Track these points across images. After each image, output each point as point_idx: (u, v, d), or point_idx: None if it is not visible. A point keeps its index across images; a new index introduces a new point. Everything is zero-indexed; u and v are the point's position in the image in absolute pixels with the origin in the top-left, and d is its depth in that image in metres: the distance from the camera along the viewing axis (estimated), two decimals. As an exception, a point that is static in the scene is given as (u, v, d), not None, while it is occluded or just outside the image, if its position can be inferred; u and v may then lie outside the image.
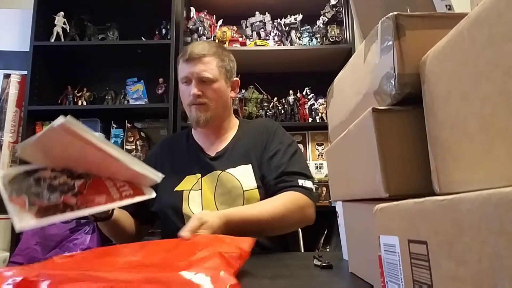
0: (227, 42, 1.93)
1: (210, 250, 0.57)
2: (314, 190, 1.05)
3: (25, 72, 1.84)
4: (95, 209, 0.69)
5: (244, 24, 2.06)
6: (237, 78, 1.20)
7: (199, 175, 1.09)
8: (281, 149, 1.09)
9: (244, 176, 1.06)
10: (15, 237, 1.65)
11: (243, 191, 1.03)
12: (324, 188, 1.83)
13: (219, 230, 0.83)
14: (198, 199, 1.05)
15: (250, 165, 1.08)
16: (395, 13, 0.42)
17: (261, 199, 1.03)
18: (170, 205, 1.06)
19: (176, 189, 1.07)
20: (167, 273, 0.50)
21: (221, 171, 1.08)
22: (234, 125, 1.21)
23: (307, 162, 1.70)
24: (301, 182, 1.02)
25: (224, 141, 1.16)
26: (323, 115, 1.91)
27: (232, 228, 0.87)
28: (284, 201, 0.98)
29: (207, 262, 0.54)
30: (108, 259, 0.62)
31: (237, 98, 1.88)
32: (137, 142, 1.87)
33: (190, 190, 1.07)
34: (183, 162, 1.14)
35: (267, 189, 1.05)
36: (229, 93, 1.17)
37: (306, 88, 1.99)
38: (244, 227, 0.91)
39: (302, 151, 1.82)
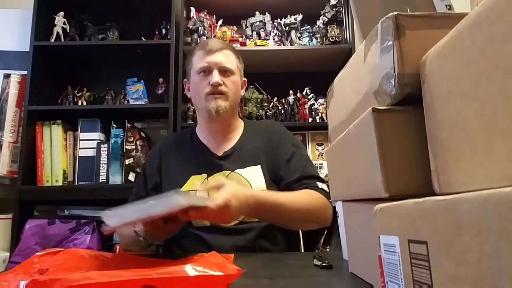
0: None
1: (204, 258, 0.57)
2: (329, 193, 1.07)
3: (25, 72, 1.83)
4: None
5: (244, 24, 2.05)
6: (245, 79, 1.22)
7: (205, 175, 1.08)
8: (296, 152, 1.11)
9: (253, 177, 1.06)
10: (15, 237, 1.65)
11: None
12: (324, 188, 1.83)
13: (245, 202, 0.85)
14: None
15: (259, 166, 1.08)
16: (395, 13, 0.42)
17: None
18: None
19: (181, 189, 1.06)
20: (173, 267, 0.50)
21: (230, 172, 1.07)
22: (240, 124, 1.20)
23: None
24: (320, 185, 1.05)
25: (231, 140, 1.16)
26: (323, 115, 1.91)
27: (261, 209, 0.90)
28: (310, 197, 1.01)
29: (207, 258, 0.55)
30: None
31: (237, 98, 1.88)
32: (137, 142, 1.87)
33: (196, 190, 1.06)
34: (188, 161, 1.13)
35: (284, 186, 1.07)
36: (240, 91, 1.18)
37: (306, 88, 1.99)
38: (272, 211, 0.93)
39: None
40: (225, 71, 1.10)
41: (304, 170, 1.08)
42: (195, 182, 1.06)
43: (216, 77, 1.08)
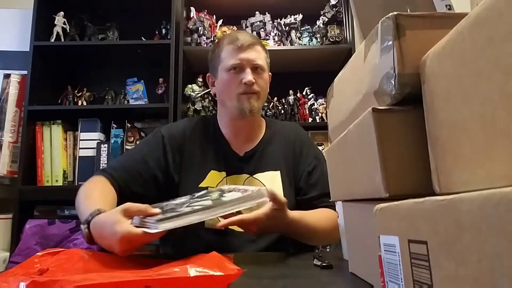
0: (227, 42, 1.93)
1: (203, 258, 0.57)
2: None
3: (25, 72, 1.83)
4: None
5: (244, 24, 2.05)
6: (270, 73, 1.18)
7: (224, 174, 1.06)
8: (318, 165, 1.10)
9: (271, 182, 1.05)
10: (15, 237, 1.65)
11: None
12: (324, 188, 1.82)
13: (287, 219, 0.87)
14: None
15: (278, 172, 1.06)
16: (395, 13, 0.42)
17: None
18: None
19: (200, 185, 1.03)
20: (173, 267, 0.50)
21: (248, 176, 1.06)
22: (262, 123, 1.17)
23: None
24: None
25: (253, 140, 1.12)
26: (323, 115, 1.91)
27: (293, 227, 0.90)
28: (331, 219, 1.00)
29: (207, 258, 0.55)
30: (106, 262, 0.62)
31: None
32: (137, 142, 1.87)
33: (215, 188, 1.03)
34: (209, 154, 1.08)
35: (304, 202, 1.06)
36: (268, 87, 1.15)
37: (306, 88, 1.99)
38: (302, 230, 0.94)
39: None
40: (256, 68, 1.06)
41: (324, 187, 1.06)
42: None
43: (249, 75, 1.03)
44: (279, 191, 1.03)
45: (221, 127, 1.14)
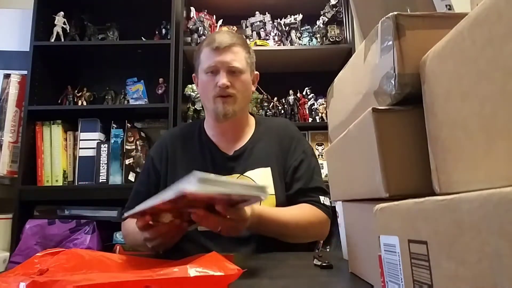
0: (227, 42, 1.93)
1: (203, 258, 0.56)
2: (330, 207, 1.06)
3: (25, 72, 1.84)
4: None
5: (244, 24, 2.06)
6: (257, 72, 1.17)
7: None
8: (305, 159, 1.09)
9: (262, 179, 1.04)
10: (15, 237, 1.65)
11: None
12: (324, 188, 1.82)
13: (250, 219, 0.83)
14: None
15: (269, 169, 1.05)
16: (395, 13, 0.42)
17: (276, 206, 1.01)
18: None
19: None
20: (173, 267, 0.50)
21: (239, 175, 1.05)
22: (251, 121, 1.16)
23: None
24: (322, 199, 1.03)
25: (242, 139, 1.12)
26: (323, 115, 1.91)
27: (261, 224, 0.89)
28: (309, 214, 1.00)
29: (207, 258, 0.54)
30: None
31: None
32: (137, 142, 1.87)
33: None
34: (196, 160, 1.09)
35: (287, 197, 1.04)
36: (251, 87, 1.14)
37: (306, 88, 1.99)
38: (271, 226, 0.93)
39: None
40: (233, 72, 1.05)
41: (309, 181, 1.05)
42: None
43: (223, 79, 1.03)
44: (270, 187, 1.03)
45: (207, 129, 1.15)
